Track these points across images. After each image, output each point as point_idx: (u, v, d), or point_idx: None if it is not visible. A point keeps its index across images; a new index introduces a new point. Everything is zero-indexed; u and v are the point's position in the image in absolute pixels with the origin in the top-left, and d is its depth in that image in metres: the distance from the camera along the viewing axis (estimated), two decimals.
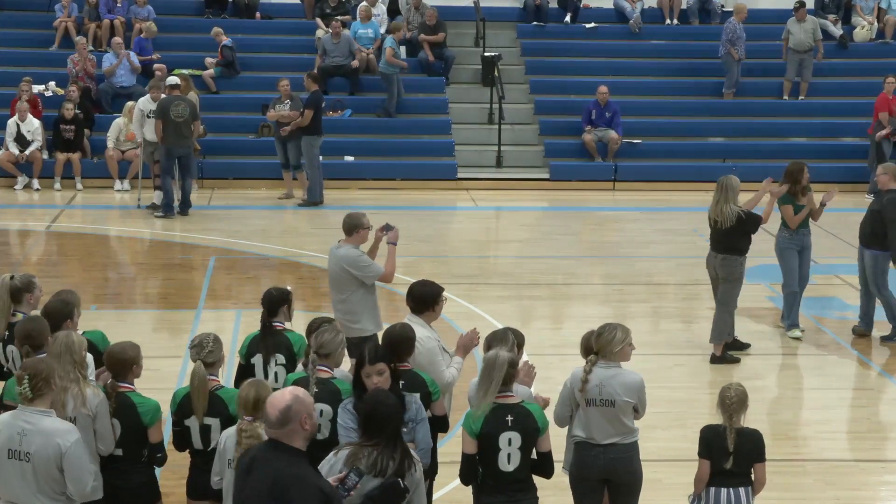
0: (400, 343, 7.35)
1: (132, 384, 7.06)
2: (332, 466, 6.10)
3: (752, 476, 7.40)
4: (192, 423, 7.12)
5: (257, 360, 8.01)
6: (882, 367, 12.33)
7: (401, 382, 7.26)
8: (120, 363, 7.04)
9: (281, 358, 7.98)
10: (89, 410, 6.78)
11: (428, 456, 6.80)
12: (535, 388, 7.64)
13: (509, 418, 6.78)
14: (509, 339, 7.38)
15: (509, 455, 6.79)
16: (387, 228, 9.82)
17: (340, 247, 9.72)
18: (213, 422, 7.05)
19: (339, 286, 9.65)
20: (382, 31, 23.50)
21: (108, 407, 6.91)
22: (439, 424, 7.55)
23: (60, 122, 20.56)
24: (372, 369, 6.74)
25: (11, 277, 8.14)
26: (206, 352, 7.15)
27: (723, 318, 12.15)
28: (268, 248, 16.83)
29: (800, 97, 23.40)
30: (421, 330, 7.87)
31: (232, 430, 6.72)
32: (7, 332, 8.09)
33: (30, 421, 6.36)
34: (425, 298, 8.19)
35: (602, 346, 7.45)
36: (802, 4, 22.98)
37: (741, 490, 7.33)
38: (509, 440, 6.78)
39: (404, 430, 6.56)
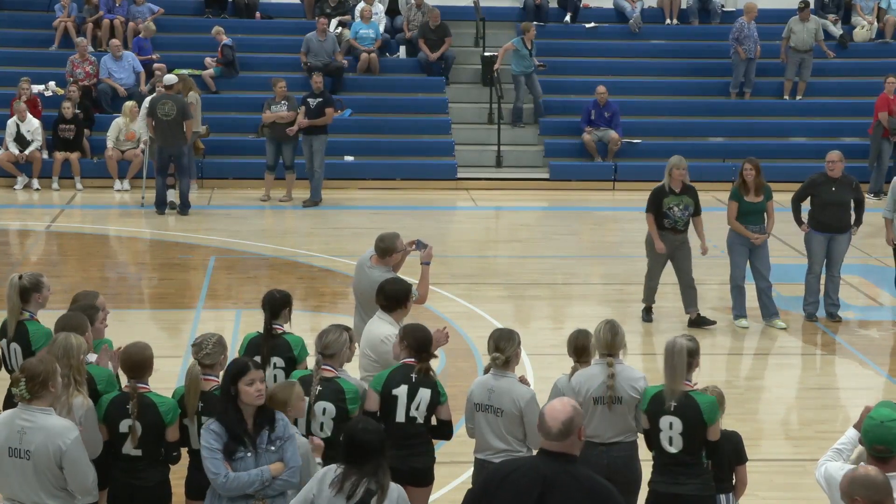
0: (430, 341, 7.45)
1: (148, 384, 7.08)
2: (329, 502, 5.94)
3: (734, 479, 7.43)
4: (189, 422, 7.11)
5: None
6: (882, 367, 12.33)
7: (413, 377, 7.34)
8: (139, 364, 7.05)
9: (280, 361, 7.98)
10: (74, 420, 6.66)
11: (297, 475, 6.60)
12: (536, 388, 7.65)
13: (672, 403, 7.03)
14: (515, 338, 7.41)
15: (671, 438, 7.05)
16: (419, 246, 9.50)
17: (373, 267, 9.26)
18: None
19: (370, 304, 9.07)
20: (382, 30, 23.51)
21: (95, 416, 6.88)
22: (444, 430, 7.57)
23: (60, 121, 20.57)
24: (256, 374, 6.59)
25: (20, 277, 8.13)
26: (203, 353, 7.17)
27: (694, 287, 13.20)
28: (268, 248, 16.83)
29: (797, 97, 23.40)
30: (389, 328, 7.91)
31: None
32: (15, 331, 8.10)
33: (29, 419, 6.37)
34: (398, 296, 8.23)
35: (618, 343, 7.53)
36: (807, 4, 22.98)
37: (721, 497, 7.35)
38: (670, 424, 7.03)
39: (272, 448, 6.59)
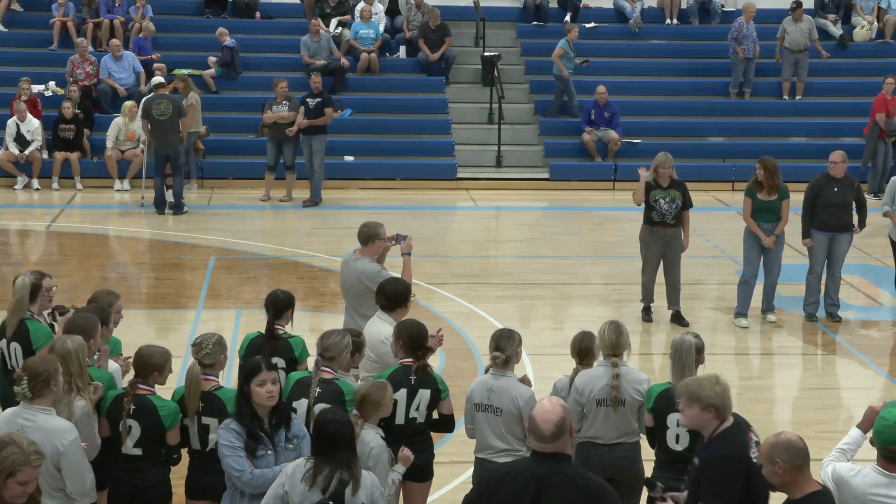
0: (425, 338, 7.45)
1: (152, 387, 7.08)
2: (304, 497, 5.94)
3: None
4: (190, 422, 7.12)
5: None
6: (882, 367, 12.33)
7: (412, 378, 7.33)
8: (143, 365, 7.08)
9: (281, 362, 7.98)
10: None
11: None
12: (536, 388, 7.64)
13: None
14: (516, 338, 7.42)
15: (678, 435, 7.06)
16: (398, 239, 9.52)
17: (357, 259, 9.28)
18: (212, 422, 7.04)
19: (358, 300, 9.24)
20: (382, 30, 23.50)
21: (92, 419, 6.88)
22: (446, 424, 7.57)
23: (60, 121, 20.57)
24: (268, 376, 6.64)
25: (27, 275, 8.13)
26: (203, 353, 7.17)
27: (677, 286, 13.23)
28: (268, 248, 16.83)
29: (797, 97, 23.41)
30: (389, 328, 7.91)
31: None
32: (15, 330, 8.11)
33: (30, 418, 6.39)
34: (398, 296, 8.24)
35: (623, 344, 7.57)
36: (799, 4, 22.98)
37: None
38: (678, 421, 6.99)
39: (290, 446, 6.61)
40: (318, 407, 7.17)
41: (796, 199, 13.44)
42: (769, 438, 5.70)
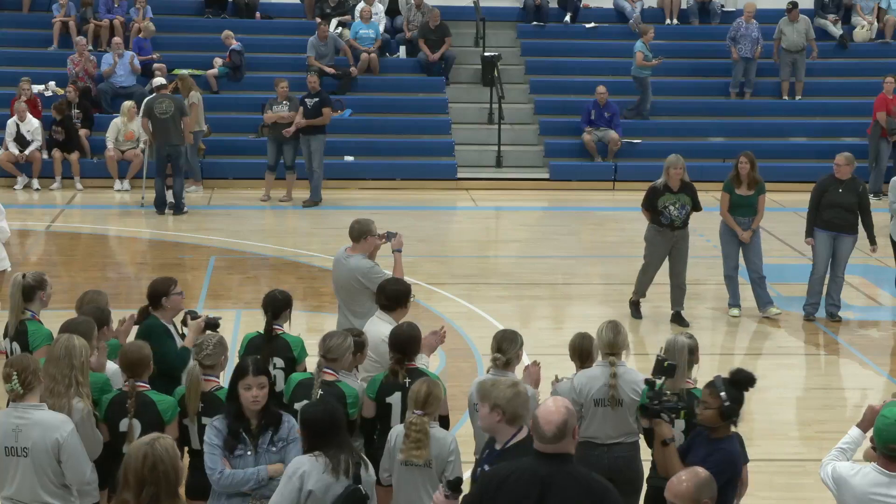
0: (408, 343, 7.42)
1: (146, 383, 7.10)
2: (327, 489, 6.00)
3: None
4: (190, 423, 7.13)
5: None
6: (882, 367, 12.34)
7: (407, 381, 7.31)
8: (136, 362, 7.08)
9: (280, 361, 8.00)
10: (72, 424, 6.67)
11: None
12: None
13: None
14: (518, 340, 7.42)
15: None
16: (388, 236, 9.56)
17: (350, 256, 9.31)
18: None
19: (351, 297, 9.28)
20: (382, 30, 23.51)
21: (92, 419, 6.88)
22: (441, 425, 7.57)
23: (53, 122, 20.56)
24: (254, 381, 6.64)
25: (24, 276, 8.15)
26: (203, 354, 7.18)
27: (682, 287, 13.24)
28: (268, 248, 16.83)
29: (796, 97, 23.41)
30: (389, 328, 7.92)
31: (401, 426, 6.84)
32: (15, 330, 8.11)
33: (23, 416, 6.40)
34: (398, 296, 8.27)
35: (620, 343, 7.55)
36: (795, 5, 22.99)
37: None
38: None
39: (273, 449, 6.63)
40: None
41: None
42: (682, 482, 5.39)
